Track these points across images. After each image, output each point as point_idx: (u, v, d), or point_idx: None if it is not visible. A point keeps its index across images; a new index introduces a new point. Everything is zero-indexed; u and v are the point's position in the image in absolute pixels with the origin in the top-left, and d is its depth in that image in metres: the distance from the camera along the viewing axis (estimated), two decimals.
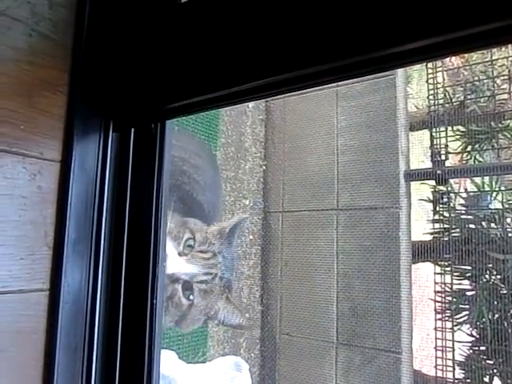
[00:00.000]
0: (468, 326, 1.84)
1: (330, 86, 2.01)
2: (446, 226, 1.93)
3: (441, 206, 1.97)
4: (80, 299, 0.62)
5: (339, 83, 2.03)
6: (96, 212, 0.65)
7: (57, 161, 0.62)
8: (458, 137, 2.13)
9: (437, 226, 1.96)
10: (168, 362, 1.28)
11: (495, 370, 1.75)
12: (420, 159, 2.19)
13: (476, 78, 2.11)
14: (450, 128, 2.07)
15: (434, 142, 2.03)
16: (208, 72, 0.57)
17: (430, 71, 2.09)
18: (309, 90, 2.08)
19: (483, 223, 1.86)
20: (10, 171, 0.56)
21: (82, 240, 0.63)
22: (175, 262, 1.03)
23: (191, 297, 1.06)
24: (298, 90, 0.54)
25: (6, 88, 0.57)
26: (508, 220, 1.81)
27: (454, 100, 2.12)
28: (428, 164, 2.07)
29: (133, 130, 0.71)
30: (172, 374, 1.19)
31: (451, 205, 1.96)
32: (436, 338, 1.82)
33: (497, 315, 1.76)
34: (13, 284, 0.56)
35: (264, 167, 2.36)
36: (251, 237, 2.23)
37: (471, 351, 1.82)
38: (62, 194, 0.61)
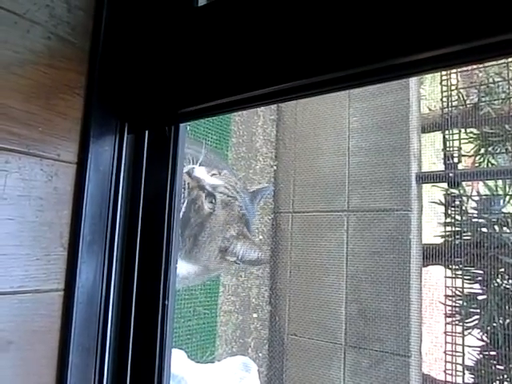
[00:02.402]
0: (478, 330, 1.82)
1: None
2: (457, 229, 1.91)
3: (452, 208, 1.95)
4: (94, 299, 0.63)
5: None
6: (110, 213, 0.66)
7: (73, 162, 0.62)
8: (471, 139, 2.10)
9: (448, 229, 1.94)
10: (177, 362, 1.29)
11: (505, 376, 1.73)
12: (432, 161, 2.17)
13: (490, 80, 2.09)
14: (463, 130, 2.05)
15: (447, 145, 2.01)
16: (223, 77, 0.57)
17: (443, 73, 2.07)
18: None
19: (495, 227, 1.84)
20: (28, 173, 0.57)
21: (96, 241, 0.64)
22: (203, 174, 1.10)
23: (213, 202, 1.10)
24: (313, 95, 0.54)
25: (25, 90, 0.57)
26: None
27: (467, 102, 2.09)
28: (440, 166, 2.05)
29: (147, 132, 0.72)
30: (181, 373, 1.20)
31: (463, 208, 1.94)
32: (446, 342, 1.81)
33: (508, 320, 1.74)
34: (29, 284, 0.57)
35: (275, 167, 2.36)
36: (261, 237, 2.23)
37: (481, 356, 1.80)
38: (77, 196, 0.62)
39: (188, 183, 1.07)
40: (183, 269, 1.13)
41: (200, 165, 1.11)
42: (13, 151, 0.56)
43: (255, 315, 2.15)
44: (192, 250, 1.09)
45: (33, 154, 0.57)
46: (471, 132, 2.10)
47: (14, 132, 0.56)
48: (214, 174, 1.14)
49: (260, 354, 2.14)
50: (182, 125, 0.71)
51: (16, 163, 0.56)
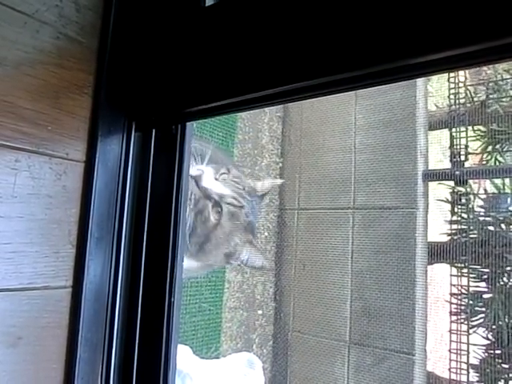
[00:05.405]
0: (484, 329, 1.82)
1: None
2: (463, 227, 1.91)
3: (459, 207, 1.94)
4: (101, 296, 0.64)
5: None
6: (118, 210, 0.67)
7: (81, 161, 0.63)
8: (478, 137, 2.09)
9: (454, 227, 1.93)
10: (183, 357, 1.30)
11: (510, 375, 1.73)
12: (438, 159, 2.16)
13: (499, 77, 2.07)
14: (470, 128, 2.03)
15: (454, 142, 2.00)
16: (229, 77, 0.58)
17: None
18: None
19: (502, 225, 1.83)
20: (38, 171, 0.58)
21: (104, 238, 0.65)
22: (210, 182, 1.09)
23: (219, 212, 1.10)
24: (321, 96, 0.55)
25: (35, 90, 0.58)
26: None
27: (475, 99, 2.08)
28: (447, 164, 2.04)
29: (154, 130, 0.73)
30: (186, 369, 1.21)
31: (470, 206, 1.93)
32: (451, 341, 1.81)
33: None
34: (38, 281, 0.58)
35: (280, 164, 2.36)
36: (266, 234, 2.24)
37: (486, 354, 1.80)
38: (85, 194, 0.63)
39: (194, 194, 1.06)
40: (186, 263, 1.14)
41: (207, 163, 1.10)
42: (22, 150, 0.57)
43: (260, 312, 2.17)
44: (197, 254, 1.10)
45: (42, 152, 0.58)
46: (478, 129, 2.08)
47: (23, 131, 0.57)
48: (223, 173, 1.13)
49: (264, 351, 2.15)
50: (188, 123, 0.72)
51: (26, 162, 0.57)
